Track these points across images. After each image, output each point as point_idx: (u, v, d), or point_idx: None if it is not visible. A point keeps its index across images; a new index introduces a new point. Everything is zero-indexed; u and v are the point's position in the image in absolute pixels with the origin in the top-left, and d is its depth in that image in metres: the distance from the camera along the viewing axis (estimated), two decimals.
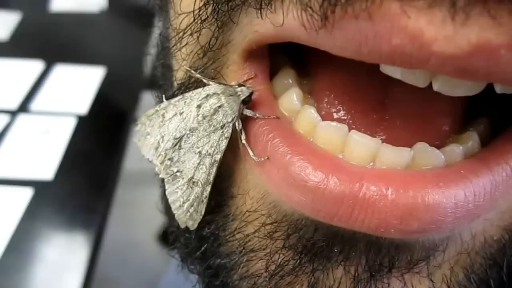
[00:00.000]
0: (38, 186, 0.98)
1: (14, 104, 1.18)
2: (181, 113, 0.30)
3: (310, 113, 0.28)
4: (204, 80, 0.29)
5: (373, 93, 0.31)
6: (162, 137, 0.31)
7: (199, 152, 0.29)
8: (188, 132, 0.29)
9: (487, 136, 0.30)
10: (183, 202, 0.30)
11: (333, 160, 0.26)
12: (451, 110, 0.31)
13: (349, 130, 0.28)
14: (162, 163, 0.30)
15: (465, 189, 0.25)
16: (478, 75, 0.21)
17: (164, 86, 0.36)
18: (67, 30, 1.54)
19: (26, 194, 0.96)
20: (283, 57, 0.32)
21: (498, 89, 0.24)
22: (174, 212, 0.31)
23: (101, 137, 1.16)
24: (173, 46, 0.31)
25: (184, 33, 0.29)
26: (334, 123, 0.28)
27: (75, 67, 1.33)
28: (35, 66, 1.31)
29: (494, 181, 0.25)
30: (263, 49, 0.29)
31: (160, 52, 0.37)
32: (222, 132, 0.29)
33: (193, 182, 0.30)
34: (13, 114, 1.15)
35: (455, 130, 0.31)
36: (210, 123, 0.29)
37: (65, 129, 1.11)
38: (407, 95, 0.31)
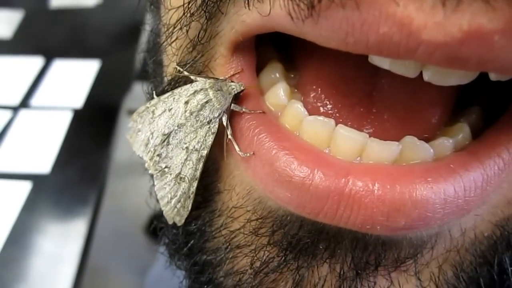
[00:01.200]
0: (36, 179, 0.98)
1: (16, 100, 1.18)
2: (169, 110, 0.28)
3: (297, 108, 0.27)
4: (192, 77, 0.28)
5: (360, 85, 0.29)
6: (152, 133, 0.29)
7: (186, 147, 0.28)
8: (176, 128, 0.28)
9: (479, 126, 0.28)
10: (171, 198, 0.29)
11: (319, 155, 0.25)
12: (441, 100, 0.29)
13: (336, 125, 0.26)
14: (151, 159, 0.29)
15: (454, 184, 0.23)
16: (470, 64, 0.19)
17: (155, 82, 0.34)
18: (64, 25, 1.54)
19: (25, 188, 0.95)
20: (270, 51, 0.30)
21: (493, 76, 0.22)
22: (162, 208, 0.29)
23: (95, 130, 1.15)
24: (163, 42, 0.30)
25: (174, 28, 0.28)
26: (320, 118, 0.26)
27: (72, 62, 1.33)
28: (36, 62, 1.31)
29: (485, 175, 0.23)
30: (250, 42, 0.27)
31: (151, 49, 0.35)
32: (209, 127, 0.27)
33: (180, 178, 0.28)
34: (15, 109, 1.15)
35: (445, 122, 0.29)
36: (197, 118, 0.27)
37: (62, 123, 1.11)
38: (395, 86, 0.29)
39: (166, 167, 0.29)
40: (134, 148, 0.31)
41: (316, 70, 0.30)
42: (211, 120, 0.27)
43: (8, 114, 1.13)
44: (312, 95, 0.29)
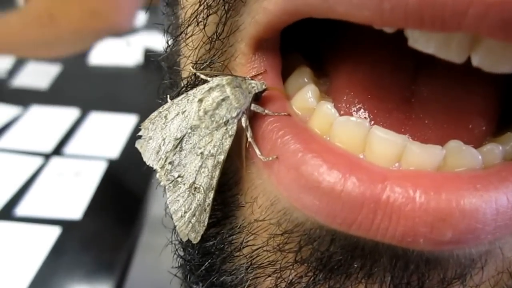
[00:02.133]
0: (66, 225, 0.96)
1: (48, 147, 1.17)
2: (183, 112, 0.26)
3: (327, 108, 0.24)
4: (208, 79, 0.25)
5: (397, 91, 0.27)
6: (164, 139, 0.27)
7: (201, 153, 0.25)
8: (189, 131, 0.25)
9: None
10: (185, 212, 0.26)
11: (351, 158, 0.22)
12: (485, 109, 0.26)
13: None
14: (162, 167, 0.26)
15: (507, 193, 0.20)
16: None
17: (171, 86, 0.32)
18: (104, 82, 1.56)
19: (53, 233, 0.93)
20: (297, 57, 0.28)
21: None
22: (176, 223, 0.26)
23: (130, 181, 1.14)
24: (178, 36, 0.28)
25: (189, 22, 0.26)
26: (353, 118, 0.23)
27: (109, 115, 1.33)
28: (71, 113, 1.31)
29: None
30: (274, 42, 0.25)
31: (166, 50, 0.33)
32: (226, 129, 0.24)
33: (195, 188, 0.25)
34: (47, 156, 1.14)
35: (490, 132, 0.26)
36: (213, 119, 0.24)
37: (96, 172, 1.10)
38: (435, 93, 0.26)
39: (179, 176, 0.26)
40: (145, 158, 0.28)
41: (348, 75, 0.27)
42: (228, 121, 0.24)
43: (39, 160, 1.12)
44: (344, 99, 0.27)
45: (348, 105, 0.26)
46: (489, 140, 0.25)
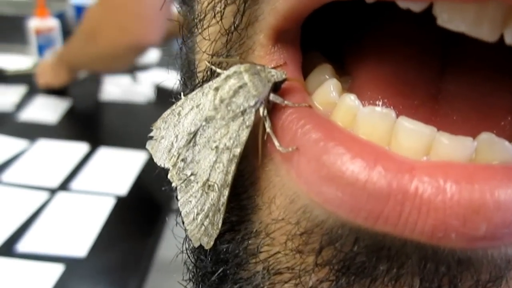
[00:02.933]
0: (70, 262, 0.95)
1: (54, 183, 1.17)
2: (197, 106, 0.25)
3: (350, 100, 0.23)
4: (225, 72, 0.25)
5: (423, 88, 0.26)
6: (176, 136, 0.26)
7: (216, 147, 0.24)
8: (203, 123, 0.24)
9: None
10: (197, 214, 0.25)
11: (376, 148, 0.21)
12: None
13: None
14: (174, 165, 0.25)
15: None
16: None
17: (186, 83, 0.31)
18: (114, 117, 1.58)
19: (56, 270, 0.92)
20: (318, 57, 0.28)
21: None
22: (187, 227, 0.25)
23: (138, 219, 1.13)
24: (193, 28, 0.27)
25: (205, 14, 0.25)
26: (378, 109, 0.23)
27: (119, 151, 1.34)
28: (80, 148, 1.32)
29: None
30: (294, 35, 0.25)
31: (182, 48, 0.32)
32: (243, 119, 0.23)
33: (209, 186, 0.24)
34: (53, 191, 1.13)
35: None
36: (229, 108, 0.24)
37: (104, 209, 1.10)
38: (463, 90, 0.26)
39: (192, 174, 0.25)
40: (156, 159, 0.27)
41: (372, 71, 0.27)
42: (245, 110, 0.23)
43: (44, 195, 1.12)
44: (368, 94, 0.26)
45: (371, 101, 0.26)
46: None
